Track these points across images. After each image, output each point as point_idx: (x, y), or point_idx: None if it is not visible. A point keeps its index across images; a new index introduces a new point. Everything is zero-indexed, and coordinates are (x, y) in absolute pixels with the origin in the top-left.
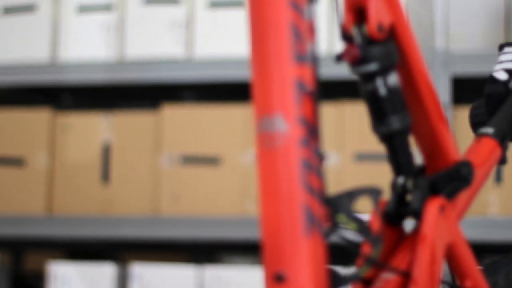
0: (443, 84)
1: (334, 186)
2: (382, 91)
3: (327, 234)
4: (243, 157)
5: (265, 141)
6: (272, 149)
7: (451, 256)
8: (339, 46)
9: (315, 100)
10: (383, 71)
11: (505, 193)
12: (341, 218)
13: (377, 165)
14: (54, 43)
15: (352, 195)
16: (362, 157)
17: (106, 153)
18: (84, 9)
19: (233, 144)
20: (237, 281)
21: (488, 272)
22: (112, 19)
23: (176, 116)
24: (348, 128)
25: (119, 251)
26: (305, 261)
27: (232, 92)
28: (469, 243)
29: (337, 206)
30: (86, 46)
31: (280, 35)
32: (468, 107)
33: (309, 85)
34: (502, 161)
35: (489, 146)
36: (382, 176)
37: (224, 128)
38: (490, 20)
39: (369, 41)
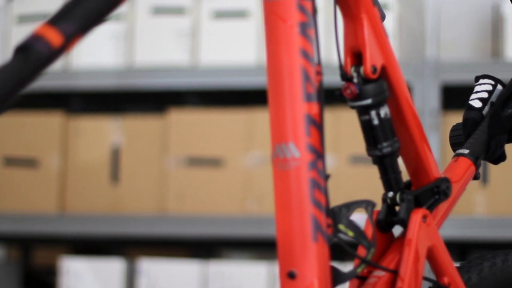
0: (433, 91)
1: (331, 187)
2: (375, 121)
3: (330, 240)
4: (245, 159)
5: (280, 164)
6: (285, 170)
7: (431, 257)
8: (335, 56)
9: (320, 130)
10: (376, 105)
11: (491, 194)
12: (342, 226)
13: (370, 167)
14: None
15: (350, 207)
16: (357, 159)
17: (115, 155)
18: None
19: (235, 147)
20: (239, 276)
21: (463, 270)
22: (122, 29)
23: (181, 120)
24: (344, 133)
25: (128, 247)
26: (312, 261)
27: (234, 97)
28: (457, 240)
29: (338, 216)
30: (97, 54)
31: (293, 78)
32: (457, 113)
33: (316, 118)
34: (476, 177)
35: (465, 164)
36: (375, 177)
37: (227, 131)
38: (478, 31)
39: (364, 80)
